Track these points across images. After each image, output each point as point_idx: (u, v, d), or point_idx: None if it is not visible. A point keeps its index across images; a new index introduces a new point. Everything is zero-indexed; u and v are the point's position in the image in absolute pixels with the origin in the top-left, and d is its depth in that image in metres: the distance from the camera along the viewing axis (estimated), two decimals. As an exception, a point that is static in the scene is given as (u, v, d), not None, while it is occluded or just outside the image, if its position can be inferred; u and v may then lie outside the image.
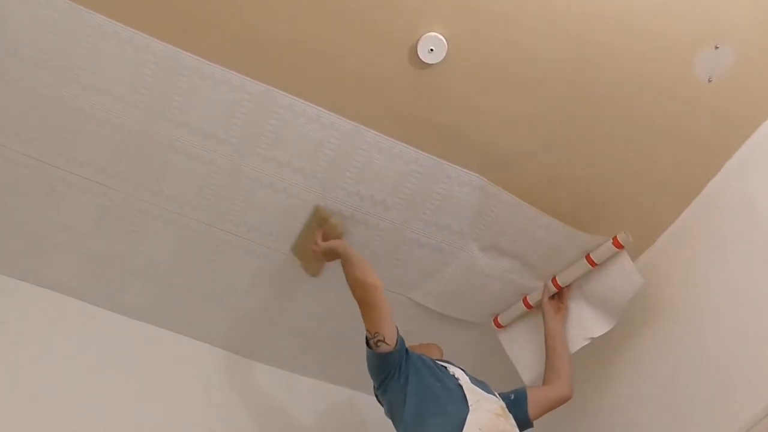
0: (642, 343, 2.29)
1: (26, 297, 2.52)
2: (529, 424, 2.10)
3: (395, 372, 1.96)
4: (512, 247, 2.33)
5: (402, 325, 2.48)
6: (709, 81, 1.95)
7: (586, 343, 2.33)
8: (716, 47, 1.89)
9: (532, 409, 2.09)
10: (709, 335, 2.04)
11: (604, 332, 2.29)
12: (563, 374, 2.21)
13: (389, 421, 2.03)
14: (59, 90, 2.08)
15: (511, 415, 1.93)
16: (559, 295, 2.40)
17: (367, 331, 1.96)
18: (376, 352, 1.96)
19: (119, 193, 2.31)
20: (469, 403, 1.85)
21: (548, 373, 2.24)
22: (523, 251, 2.34)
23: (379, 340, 1.94)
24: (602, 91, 1.98)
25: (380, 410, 2.08)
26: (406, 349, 2.01)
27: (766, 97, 1.99)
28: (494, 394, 2.00)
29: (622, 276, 2.23)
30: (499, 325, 2.56)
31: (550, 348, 2.29)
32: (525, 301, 2.47)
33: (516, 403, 2.08)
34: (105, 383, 2.46)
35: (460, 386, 1.93)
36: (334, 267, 2.25)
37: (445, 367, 2.05)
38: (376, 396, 2.08)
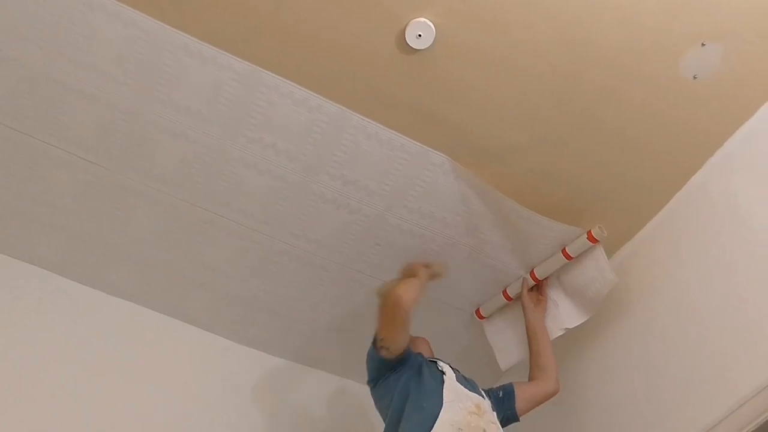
0: (619, 334, 2.32)
1: (7, 270, 2.52)
2: (516, 419, 2.13)
3: (390, 374, 2.02)
4: (492, 237, 2.34)
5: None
6: (695, 78, 1.96)
7: (561, 333, 2.35)
8: (703, 44, 1.89)
9: (520, 404, 2.12)
10: (685, 330, 2.06)
11: (577, 324, 2.32)
12: (549, 370, 2.24)
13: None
14: (47, 64, 2.07)
15: (489, 412, 1.95)
16: (537, 287, 2.42)
17: (377, 331, 2.04)
18: (379, 354, 2.02)
19: (103, 170, 2.30)
20: (444, 400, 1.87)
21: (534, 370, 2.26)
22: (503, 241, 2.35)
23: (382, 347, 2.01)
24: (592, 83, 1.98)
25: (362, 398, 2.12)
26: (409, 354, 2.06)
27: (749, 96, 2.00)
28: (480, 393, 2.03)
29: (597, 272, 2.25)
30: (480, 317, 2.58)
31: (533, 344, 2.31)
32: (505, 293, 2.49)
33: (505, 400, 2.12)
34: (85, 359, 2.46)
35: (442, 382, 1.95)
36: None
37: (435, 362, 2.07)
38: (368, 385, 2.13)
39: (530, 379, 2.25)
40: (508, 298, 2.48)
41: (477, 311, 2.59)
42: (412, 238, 2.37)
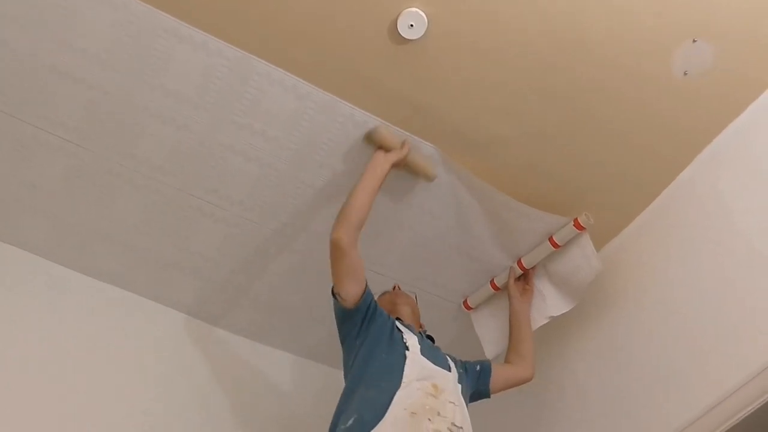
0: (603, 327, 2.33)
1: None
2: (488, 396, 2.15)
3: (354, 331, 1.95)
4: (480, 229, 2.35)
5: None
6: (685, 74, 1.96)
7: (545, 321, 2.37)
8: (694, 41, 1.90)
9: (494, 383, 2.15)
10: (668, 325, 2.08)
11: (562, 312, 2.33)
12: (527, 357, 2.26)
13: None
14: (34, 47, 2.04)
15: (448, 391, 1.87)
16: (524, 276, 2.43)
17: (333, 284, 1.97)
18: (338, 305, 1.97)
19: (91, 154, 2.28)
20: (402, 381, 1.81)
21: (512, 355, 2.28)
22: (490, 232, 2.35)
23: (337, 294, 1.95)
24: (579, 77, 1.98)
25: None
26: (373, 312, 1.96)
27: (738, 94, 2.01)
28: (446, 365, 1.96)
29: (583, 259, 2.26)
30: (468, 307, 2.59)
31: (515, 330, 2.33)
32: (492, 283, 2.50)
33: (481, 375, 2.13)
34: (67, 343, 2.44)
35: (404, 358, 1.88)
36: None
37: (402, 333, 1.98)
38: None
39: (507, 361, 2.28)
40: (495, 288, 2.50)
41: (465, 302, 2.60)
42: (401, 230, 2.37)
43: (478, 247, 2.41)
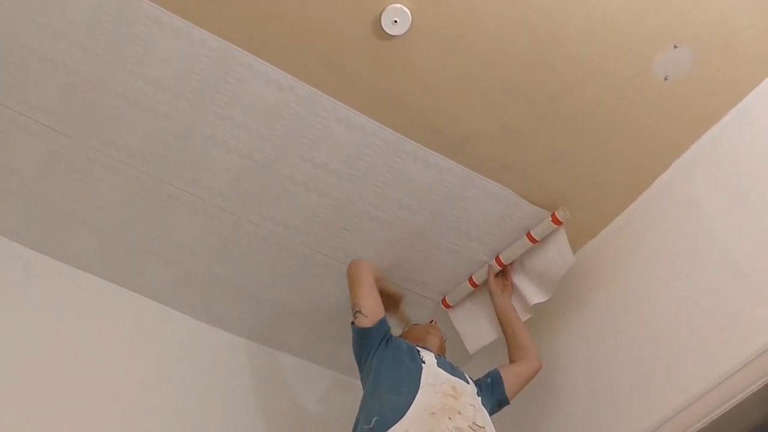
0: (574, 328, 2.36)
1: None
2: (508, 402, 2.17)
3: (373, 351, 2.05)
4: (458, 223, 2.35)
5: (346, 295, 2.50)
6: (666, 79, 1.97)
7: (529, 315, 2.40)
8: (675, 46, 1.91)
9: (509, 387, 2.16)
10: (639, 328, 2.10)
11: (538, 302, 2.36)
12: (530, 349, 2.28)
13: None
14: (13, 29, 2.02)
15: (468, 395, 1.96)
16: (503, 272, 2.45)
17: (352, 305, 2.13)
18: (357, 326, 2.09)
19: (69, 139, 2.26)
20: (421, 384, 1.90)
21: (515, 351, 2.30)
22: (468, 227, 2.36)
23: (357, 311, 2.07)
24: (561, 79, 1.99)
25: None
26: (390, 337, 2.10)
27: (718, 100, 2.02)
28: (464, 378, 2.05)
29: (557, 255, 2.29)
30: (447, 305, 2.60)
31: (509, 327, 2.35)
32: (471, 280, 2.50)
33: (494, 385, 2.16)
34: (39, 329, 2.42)
35: (421, 368, 1.97)
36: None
37: (419, 351, 2.09)
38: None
39: (512, 360, 2.29)
40: (474, 285, 2.50)
41: (443, 300, 2.60)
42: (380, 224, 2.37)
43: (456, 243, 2.41)
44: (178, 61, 2.05)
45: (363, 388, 2.05)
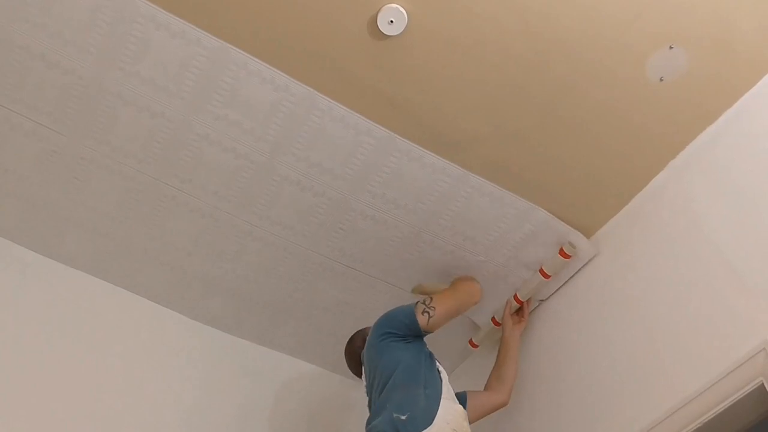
0: (566, 328, 2.37)
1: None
2: None
3: (409, 337, 2.13)
4: (454, 222, 2.35)
5: (340, 295, 2.52)
6: (661, 80, 1.97)
7: None
8: (671, 47, 1.91)
9: (470, 413, 2.17)
10: (631, 329, 2.11)
11: None
12: (507, 382, 2.34)
13: None
14: (8, 26, 2.01)
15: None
16: (520, 309, 2.51)
17: (429, 299, 2.19)
18: (416, 317, 2.15)
19: (64, 139, 2.26)
20: (442, 396, 2.00)
21: (494, 379, 2.36)
22: (464, 225, 2.36)
23: (428, 309, 2.16)
24: (557, 80, 1.99)
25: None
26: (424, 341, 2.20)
27: (713, 101, 2.02)
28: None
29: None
30: (474, 345, 2.69)
31: (501, 355, 2.41)
32: (494, 320, 2.58)
33: None
34: (35, 328, 2.43)
35: (441, 380, 2.07)
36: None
37: (438, 363, 2.16)
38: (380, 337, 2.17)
39: (486, 388, 2.35)
40: (497, 324, 2.57)
41: (470, 341, 2.69)
42: (375, 224, 2.37)
43: (450, 240, 2.41)
44: (173, 60, 2.04)
45: (373, 361, 2.11)
